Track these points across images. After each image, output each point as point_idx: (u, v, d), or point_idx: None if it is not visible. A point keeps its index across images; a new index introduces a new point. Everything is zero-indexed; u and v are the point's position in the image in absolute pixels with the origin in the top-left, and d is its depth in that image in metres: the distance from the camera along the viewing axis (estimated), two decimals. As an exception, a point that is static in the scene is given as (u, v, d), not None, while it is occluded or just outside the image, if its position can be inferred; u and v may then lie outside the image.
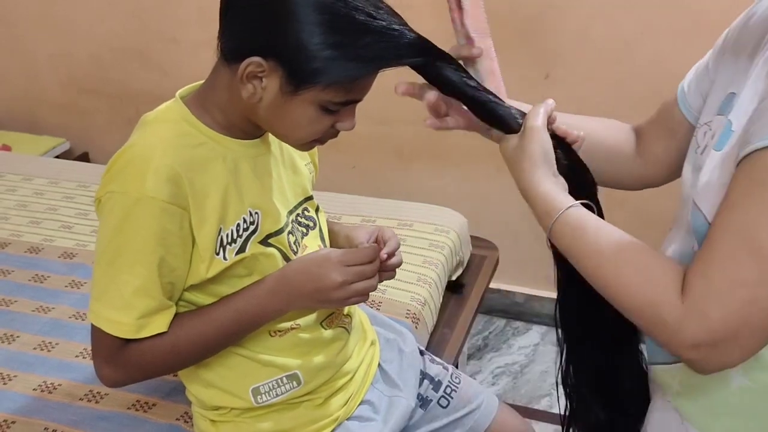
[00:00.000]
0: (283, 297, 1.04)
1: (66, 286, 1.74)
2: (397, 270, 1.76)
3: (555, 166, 0.96)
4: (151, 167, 0.94)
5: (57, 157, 2.75)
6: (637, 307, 0.82)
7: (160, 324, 1.00)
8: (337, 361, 1.17)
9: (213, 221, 0.99)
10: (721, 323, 0.75)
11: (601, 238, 0.87)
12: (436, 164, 2.49)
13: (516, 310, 2.61)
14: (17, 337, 1.56)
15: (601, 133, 1.14)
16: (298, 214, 1.14)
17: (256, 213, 1.05)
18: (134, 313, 0.98)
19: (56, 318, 1.62)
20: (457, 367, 1.77)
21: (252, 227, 1.04)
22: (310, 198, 1.19)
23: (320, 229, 1.19)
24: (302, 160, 1.19)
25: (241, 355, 1.09)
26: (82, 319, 1.62)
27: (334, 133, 1.02)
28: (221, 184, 1.00)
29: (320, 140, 1.02)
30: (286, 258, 1.08)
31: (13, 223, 2.02)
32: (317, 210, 1.20)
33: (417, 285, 1.74)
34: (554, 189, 0.93)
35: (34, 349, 1.53)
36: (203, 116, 1.01)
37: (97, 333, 1.01)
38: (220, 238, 1.00)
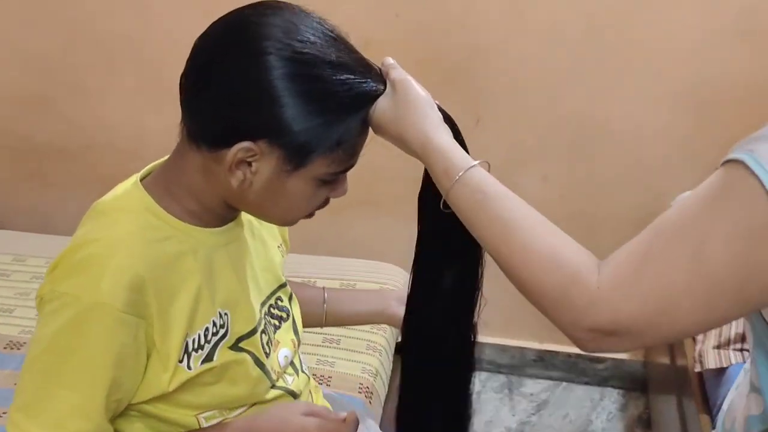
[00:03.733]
0: None
1: None
2: (343, 338, 1.71)
3: (440, 114, 0.88)
4: (109, 268, 0.83)
5: (-50, 219, 2.51)
6: (542, 286, 0.76)
7: None
8: None
9: (180, 327, 0.89)
10: (629, 320, 0.72)
11: (508, 207, 0.80)
12: (367, 211, 2.41)
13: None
14: None
15: None
16: (271, 305, 1.05)
17: (226, 314, 0.94)
18: None
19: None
20: None
21: (222, 331, 0.93)
22: (283, 285, 1.09)
23: (293, 320, 1.10)
24: (274, 241, 1.10)
25: None
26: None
27: (324, 205, 0.95)
28: (192, 284, 0.90)
29: (311, 215, 0.95)
30: (258, 362, 0.98)
31: None
32: (290, 298, 1.11)
33: (367, 354, 1.65)
34: (452, 143, 0.85)
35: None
36: (169, 205, 0.91)
37: None
38: (185, 343, 0.89)
